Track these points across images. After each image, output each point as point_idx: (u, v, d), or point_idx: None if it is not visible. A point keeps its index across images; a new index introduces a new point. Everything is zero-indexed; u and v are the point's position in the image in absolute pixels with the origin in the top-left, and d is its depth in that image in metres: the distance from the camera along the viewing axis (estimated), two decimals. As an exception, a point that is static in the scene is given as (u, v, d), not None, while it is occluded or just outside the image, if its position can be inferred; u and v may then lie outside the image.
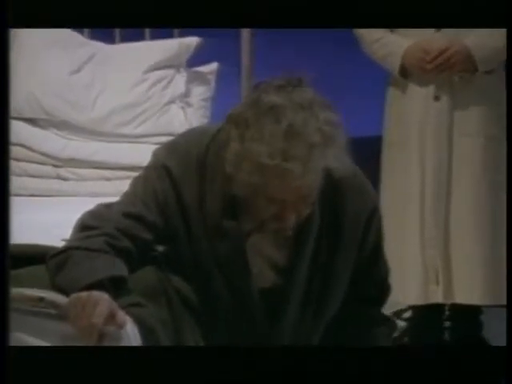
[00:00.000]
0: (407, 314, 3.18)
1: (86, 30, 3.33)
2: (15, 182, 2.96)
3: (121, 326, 1.59)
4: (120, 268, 1.71)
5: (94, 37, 3.32)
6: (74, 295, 1.62)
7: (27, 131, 3.05)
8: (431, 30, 2.81)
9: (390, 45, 2.90)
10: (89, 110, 3.04)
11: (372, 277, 1.93)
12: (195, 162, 1.78)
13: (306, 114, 1.65)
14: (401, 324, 3.16)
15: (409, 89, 2.93)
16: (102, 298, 1.59)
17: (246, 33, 3.21)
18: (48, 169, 3.00)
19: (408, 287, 2.91)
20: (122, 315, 1.59)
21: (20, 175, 3.01)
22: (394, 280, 2.97)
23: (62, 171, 2.99)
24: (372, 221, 1.86)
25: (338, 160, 1.69)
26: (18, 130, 3.04)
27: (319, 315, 1.87)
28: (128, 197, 1.82)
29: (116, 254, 1.73)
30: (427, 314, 3.07)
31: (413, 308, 3.11)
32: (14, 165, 2.99)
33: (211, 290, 1.80)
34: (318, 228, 1.80)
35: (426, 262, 2.89)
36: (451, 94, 2.88)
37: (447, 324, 3.11)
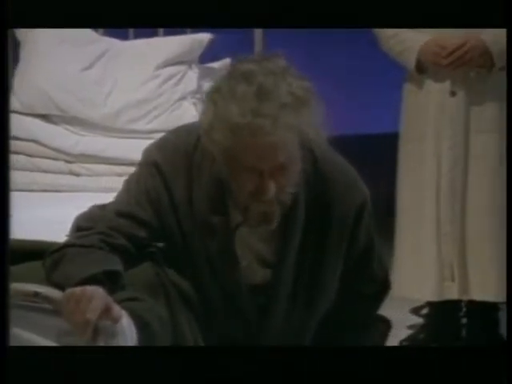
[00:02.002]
0: (425, 311, 3.17)
1: (98, 26, 3.33)
2: (28, 178, 2.97)
3: (116, 320, 1.59)
4: (114, 262, 1.72)
5: (106, 33, 3.31)
6: (68, 290, 1.62)
7: (40, 127, 3.05)
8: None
9: (406, 41, 2.90)
10: (101, 105, 3.04)
11: (366, 273, 1.91)
12: (184, 158, 1.79)
13: (278, 78, 1.67)
14: (418, 321, 3.16)
15: (425, 84, 2.92)
16: (97, 292, 1.60)
17: (258, 32, 3.20)
18: (60, 164, 3.00)
19: (424, 283, 2.90)
20: (117, 309, 1.60)
21: (33, 170, 3.01)
22: (410, 276, 3.03)
23: (74, 167, 2.99)
24: (361, 216, 1.84)
25: (314, 130, 1.69)
26: (31, 126, 3.04)
27: (309, 311, 1.85)
28: (121, 196, 1.83)
29: (110, 251, 1.74)
30: (444, 311, 3.06)
31: (430, 305, 3.10)
32: (26, 160, 3.01)
33: (204, 285, 1.80)
34: (303, 223, 1.80)
35: (441, 258, 2.88)
36: (467, 89, 2.86)
37: (464, 321, 3.09)
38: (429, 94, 2.90)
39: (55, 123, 3.07)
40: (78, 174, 2.94)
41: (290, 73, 1.69)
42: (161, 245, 1.81)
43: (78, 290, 1.60)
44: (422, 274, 2.90)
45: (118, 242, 1.75)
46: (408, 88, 2.99)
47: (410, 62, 2.89)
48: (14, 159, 2.99)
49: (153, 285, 1.73)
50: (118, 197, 1.84)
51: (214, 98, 1.68)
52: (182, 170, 1.79)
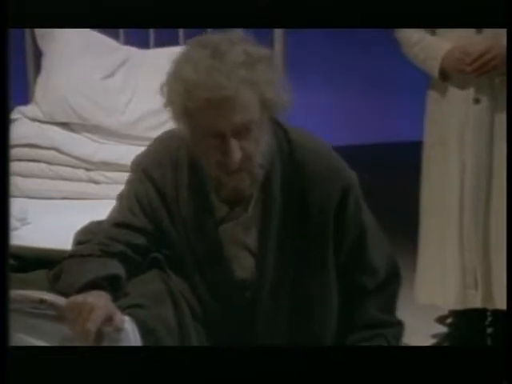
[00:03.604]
0: (450, 320, 3.16)
1: (121, 35, 3.33)
2: (48, 185, 2.98)
3: (118, 329, 1.60)
4: (114, 267, 1.74)
5: (128, 42, 3.32)
6: (70, 299, 1.64)
7: (60, 135, 3.06)
8: (471, 32, 2.79)
9: (429, 47, 2.90)
10: (120, 114, 3.04)
11: (361, 264, 1.86)
12: (169, 161, 1.82)
13: (234, 42, 1.70)
14: (443, 329, 3.14)
15: (449, 92, 2.91)
16: (98, 302, 1.61)
17: (278, 36, 3.19)
18: (80, 172, 3.01)
19: (447, 291, 2.89)
20: (119, 318, 1.61)
21: (53, 178, 3.01)
22: (433, 284, 3.01)
23: (94, 174, 2.99)
24: (345, 203, 1.80)
25: (272, 90, 1.70)
26: (52, 135, 3.05)
27: (298, 304, 1.82)
28: (115, 208, 1.87)
29: (109, 257, 1.76)
30: (469, 320, 3.03)
31: (454, 313, 3.08)
32: (47, 168, 3.02)
33: (198, 287, 1.81)
34: (281, 208, 1.78)
35: (464, 265, 2.87)
36: (491, 96, 2.84)
37: (489, 330, 3.05)
38: (452, 102, 2.90)
39: (75, 131, 3.08)
40: (97, 182, 2.94)
41: (247, 40, 1.73)
42: (165, 251, 1.83)
43: (79, 298, 1.62)
44: (444, 281, 2.88)
45: (116, 249, 1.78)
46: (432, 95, 2.99)
47: (434, 69, 2.89)
48: (35, 167, 3.01)
49: (161, 292, 1.74)
50: (112, 210, 1.87)
51: (172, 68, 1.72)
52: (169, 172, 1.81)
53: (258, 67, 1.69)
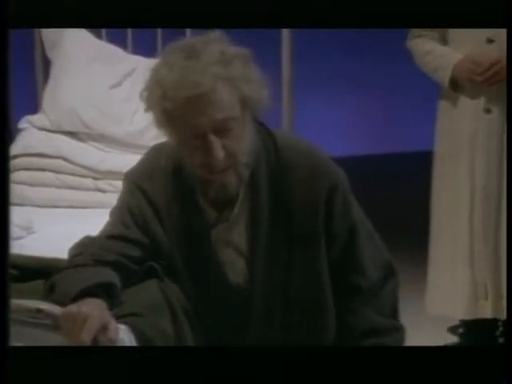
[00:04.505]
0: (461, 330, 3.13)
1: (129, 45, 3.33)
2: (55, 194, 2.97)
3: (112, 340, 1.59)
4: (108, 275, 1.73)
5: (136, 51, 3.31)
6: (65, 309, 1.63)
7: (68, 144, 3.06)
8: (483, 42, 2.77)
9: (441, 57, 2.89)
10: (127, 123, 3.03)
11: (351, 265, 1.83)
12: (159, 172, 1.82)
13: (210, 42, 1.71)
14: (454, 339, 3.12)
15: (459, 101, 2.90)
16: (92, 311, 1.60)
17: (286, 40, 3.17)
18: (87, 181, 3.00)
19: (457, 301, 2.87)
20: (114, 328, 1.61)
21: (60, 187, 3.01)
22: (444, 294, 2.98)
23: (101, 183, 2.98)
24: (332, 202, 1.79)
25: (250, 86, 1.70)
26: (59, 144, 3.05)
27: (291, 303, 1.80)
28: (109, 222, 1.87)
29: (103, 266, 1.76)
30: (480, 330, 3.01)
31: (466, 323, 3.06)
32: (54, 177, 3.01)
33: (196, 294, 1.80)
34: (269, 211, 1.77)
35: (474, 275, 2.85)
36: (502, 106, 2.81)
37: (501, 340, 3.03)
38: (463, 111, 2.88)
39: (82, 140, 3.08)
40: (103, 191, 2.93)
41: (223, 40, 1.73)
42: (161, 261, 1.82)
43: (74, 308, 1.61)
44: (455, 291, 2.87)
45: (110, 259, 1.77)
46: (443, 105, 2.97)
47: (445, 78, 2.88)
48: (43, 176, 3.00)
49: (158, 302, 1.73)
50: (106, 224, 1.87)
51: (150, 73, 1.74)
52: (159, 182, 1.81)
53: (234, 64, 1.69)
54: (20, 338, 1.60)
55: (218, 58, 1.68)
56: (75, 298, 1.65)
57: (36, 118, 3.12)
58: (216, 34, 1.74)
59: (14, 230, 2.53)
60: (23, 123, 3.15)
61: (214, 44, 1.71)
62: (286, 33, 3.20)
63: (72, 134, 3.07)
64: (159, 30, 3.24)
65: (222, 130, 1.68)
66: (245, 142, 1.72)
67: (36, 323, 1.64)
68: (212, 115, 1.66)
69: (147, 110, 1.74)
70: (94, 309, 1.60)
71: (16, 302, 1.62)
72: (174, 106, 1.67)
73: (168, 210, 1.80)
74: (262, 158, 1.78)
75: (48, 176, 3.01)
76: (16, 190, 2.97)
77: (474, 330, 3.02)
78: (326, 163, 1.81)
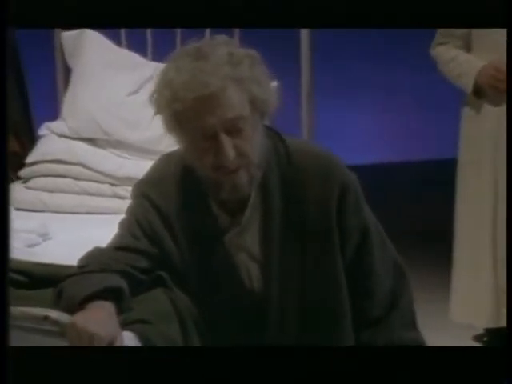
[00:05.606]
0: (485, 338, 3.13)
1: (148, 51, 3.33)
2: (74, 200, 2.97)
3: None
4: (116, 281, 1.72)
5: (155, 58, 3.30)
6: (71, 320, 1.61)
7: (86, 151, 3.06)
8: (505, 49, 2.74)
9: (464, 64, 2.90)
10: (145, 129, 3.02)
11: (362, 270, 1.80)
12: (168, 180, 1.82)
13: (218, 45, 1.71)
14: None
15: (483, 108, 2.90)
16: (99, 332, 1.57)
17: (305, 48, 3.16)
18: (105, 187, 2.99)
19: (480, 309, 2.87)
20: (120, 343, 1.58)
21: (78, 193, 3.00)
22: (468, 302, 2.96)
23: (119, 190, 2.98)
24: (344, 203, 1.77)
25: (260, 87, 1.70)
26: (78, 150, 3.05)
27: (307, 306, 1.78)
28: (117, 233, 1.86)
29: (111, 273, 1.74)
30: (504, 338, 2.96)
31: (490, 332, 3.06)
32: (73, 183, 3.01)
33: (208, 303, 1.78)
34: (281, 214, 1.76)
35: (497, 284, 2.84)
36: (525, 113, 2.79)
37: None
38: (487, 119, 2.88)
39: (101, 147, 3.08)
40: (122, 197, 2.92)
41: (231, 42, 1.74)
42: (169, 270, 1.81)
43: (80, 323, 1.58)
44: (478, 299, 2.86)
45: (118, 267, 1.76)
46: (466, 112, 2.98)
47: (468, 85, 2.88)
48: (61, 182, 3.00)
49: (167, 310, 1.72)
50: (115, 235, 1.86)
51: (158, 77, 1.74)
52: (169, 190, 1.81)
53: (243, 65, 1.69)
54: (27, 344, 1.59)
55: (227, 59, 1.68)
56: (83, 302, 1.64)
57: (55, 125, 3.13)
58: (223, 37, 1.74)
59: (30, 237, 2.54)
60: (43, 130, 3.15)
61: (222, 46, 1.71)
62: (304, 37, 3.20)
63: (91, 141, 3.07)
64: (178, 36, 3.23)
65: (232, 129, 1.67)
66: (255, 142, 1.72)
67: (44, 331, 1.64)
68: (222, 115, 1.66)
69: (157, 113, 1.74)
70: (100, 325, 1.58)
71: (23, 310, 1.62)
72: (184, 108, 1.66)
73: (178, 217, 1.79)
74: (273, 161, 1.77)
75: (66, 182, 3.01)
76: (34, 197, 2.98)
77: (497, 338, 3.00)
78: (338, 166, 1.81)
